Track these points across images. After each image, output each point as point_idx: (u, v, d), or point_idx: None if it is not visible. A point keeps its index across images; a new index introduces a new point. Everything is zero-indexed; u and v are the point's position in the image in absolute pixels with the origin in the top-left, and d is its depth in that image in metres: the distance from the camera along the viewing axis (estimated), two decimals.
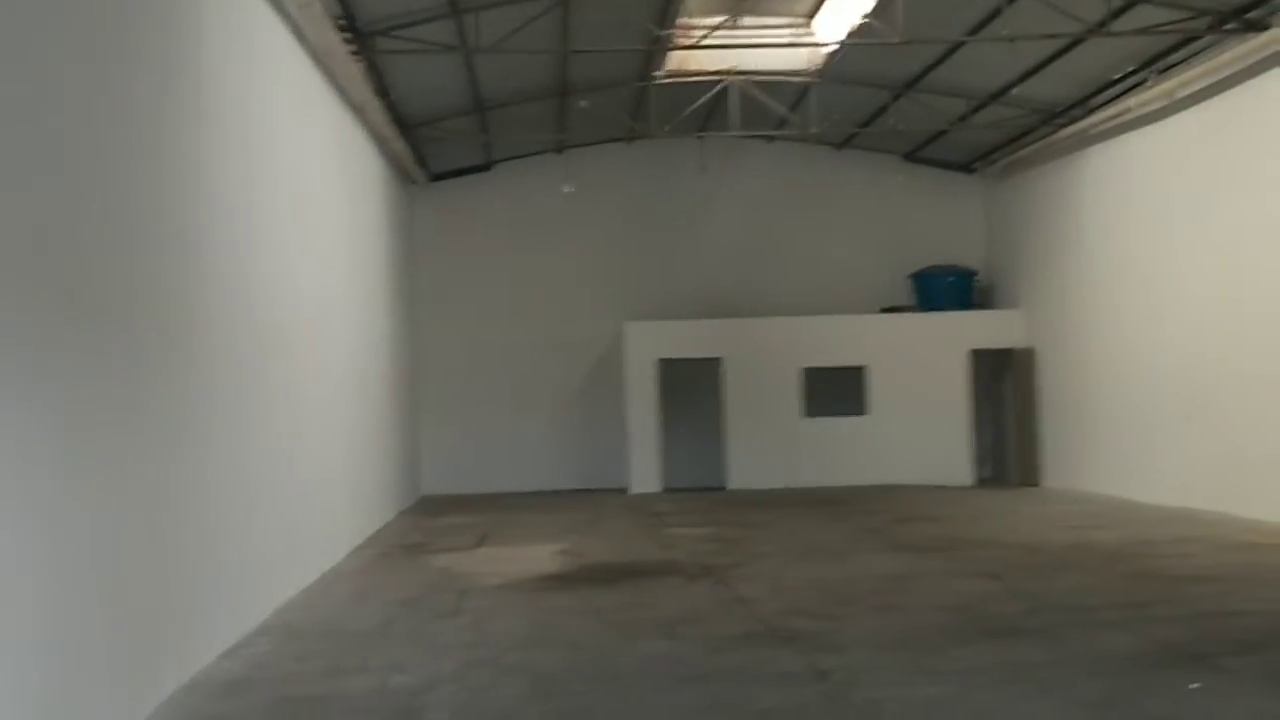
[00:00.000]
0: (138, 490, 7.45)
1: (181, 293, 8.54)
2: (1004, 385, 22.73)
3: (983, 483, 21.94)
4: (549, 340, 23.45)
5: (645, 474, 22.02)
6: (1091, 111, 18.67)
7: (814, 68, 18.80)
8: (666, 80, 19.40)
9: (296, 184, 12.71)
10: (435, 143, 20.77)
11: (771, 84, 19.61)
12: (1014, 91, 18.79)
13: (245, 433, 10.01)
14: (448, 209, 23.41)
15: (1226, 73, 15.40)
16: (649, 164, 23.65)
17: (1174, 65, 16.52)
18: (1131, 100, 17.09)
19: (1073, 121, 19.06)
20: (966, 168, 23.59)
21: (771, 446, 22.14)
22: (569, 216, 23.56)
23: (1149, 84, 16.89)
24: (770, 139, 23.42)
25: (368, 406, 16.81)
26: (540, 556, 13.72)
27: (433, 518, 18.58)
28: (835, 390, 22.30)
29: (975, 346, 22.25)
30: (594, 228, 23.66)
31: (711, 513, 18.02)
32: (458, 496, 22.00)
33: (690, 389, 22.80)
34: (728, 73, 19.25)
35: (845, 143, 23.42)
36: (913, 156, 23.54)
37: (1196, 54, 16.07)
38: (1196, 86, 16.02)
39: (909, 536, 14.39)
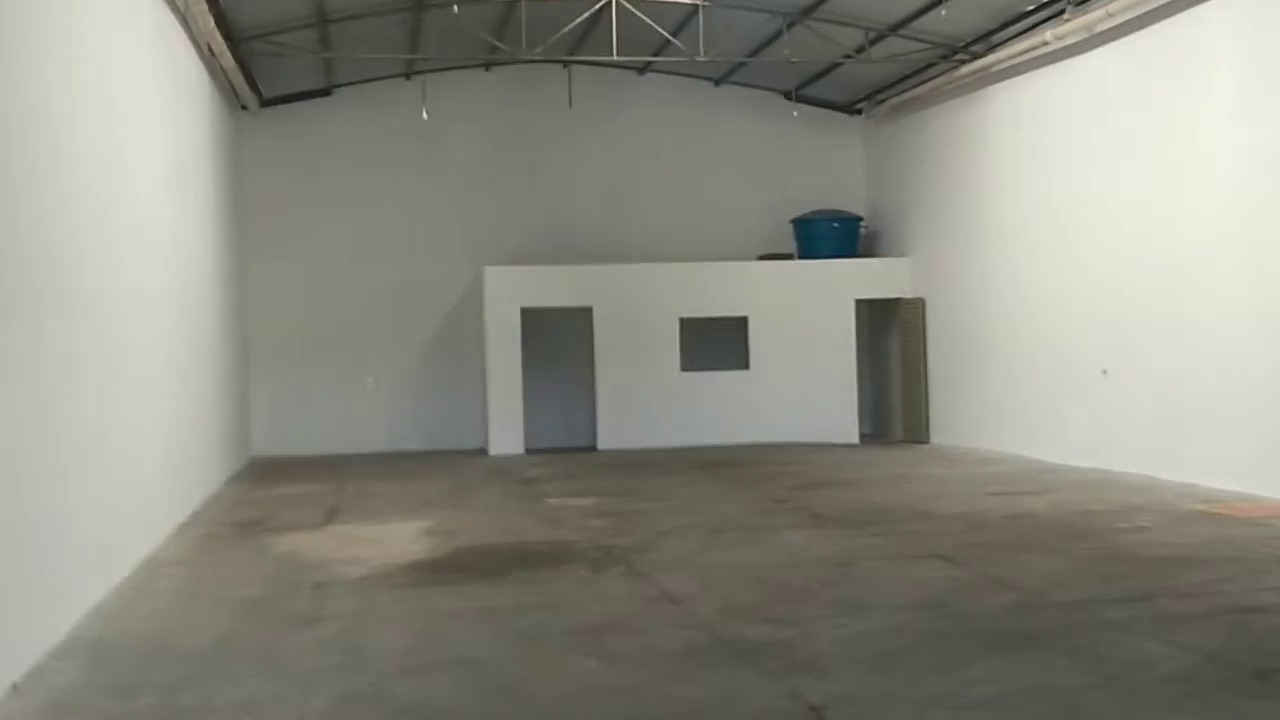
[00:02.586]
0: None
1: None
2: (888, 337, 21.43)
3: (866, 440, 20.61)
4: (397, 286, 21.28)
5: (507, 434, 20.09)
6: (995, 47, 17.29)
7: None
8: None
9: (107, 91, 10.41)
10: (269, 60, 18.31)
11: (655, 5, 17.73)
12: (916, 23, 17.29)
13: (38, 387, 7.81)
14: (282, 138, 20.96)
15: (1157, 3, 14.08)
16: (511, 93, 21.60)
17: None
18: (1049, 33, 15.66)
19: (976, 57, 17.65)
20: (850, 108, 22.10)
21: (646, 404, 20.42)
22: (421, 149, 21.34)
23: (1066, 16, 15.49)
24: (643, 71, 21.60)
25: (192, 356, 14.50)
26: (404, 537, 11.75)
27: (268, 486, 16.39)
28: (714, 343, 20.68)
29: (861, 296, 20.85)
30: (449, 163, 21.50)
31: (590, 479, 16.24)
32: (294, 459, 19.77)
33: (556, 341, 20.96)
34: None
35: (725, 78, 21.69)
36: (795, 95, 21.90)
37: None
38: (1122, 19, 14.65)
39: (824, 506, 12.83)
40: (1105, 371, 15.29)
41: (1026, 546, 10.11)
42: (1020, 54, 16.54)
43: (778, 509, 12.82)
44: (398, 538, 11.67)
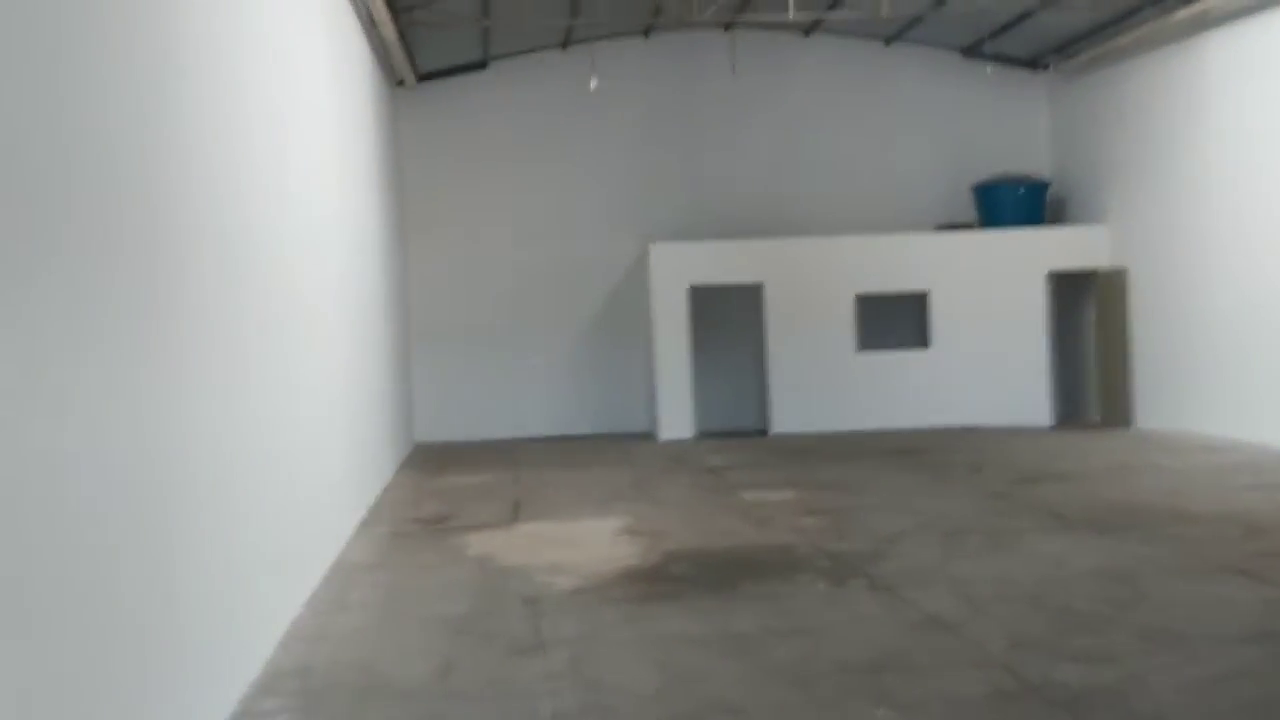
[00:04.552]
0: (68, 474, 4.46)
1: (142, 202, 5.48)
2: (1081, 312, 19.91)
3: (1060, 423, 19.14)
4: (558, 264, 20.39)
5: (677, 417, 19.09)
6: None
7: None
8: None
9: (286, 69, 9.58)
10: (428, 30, 17.48)
11: None
12: None
13: (222, 382, 6.93)
14: (438, 114, 20.16)
15: None
16: (673, 62, 20.52)
17: None
18: None
19: (1192, 1, 16.07)
20: (1034, 64, 20.56)
21: (821, 385, 19.24)
22: (580, 122, 20.40)
23: None
24: (809, 32, 20.31)
25: (364, 343, 13.77)
26: (602, 538, 10.81)
27: (439, 475, 15.63)
28: (893, 320, 19.43)
29: (1053, 268, 19.36)
30: (610, 136, 20.50)
31: (778, 468, 15.16)
32: (459, 445, 19.07)
33: (724, 320, 19.88)
34: None
35: (896, 36, 20.31)
36: (973, 52, 20.48)
37: None
38: None
39: (1060, 504, 11.55)
40: None
41: None
42: None
43: (1006, 507, 11.58)
44: (596, 539, 10.72)
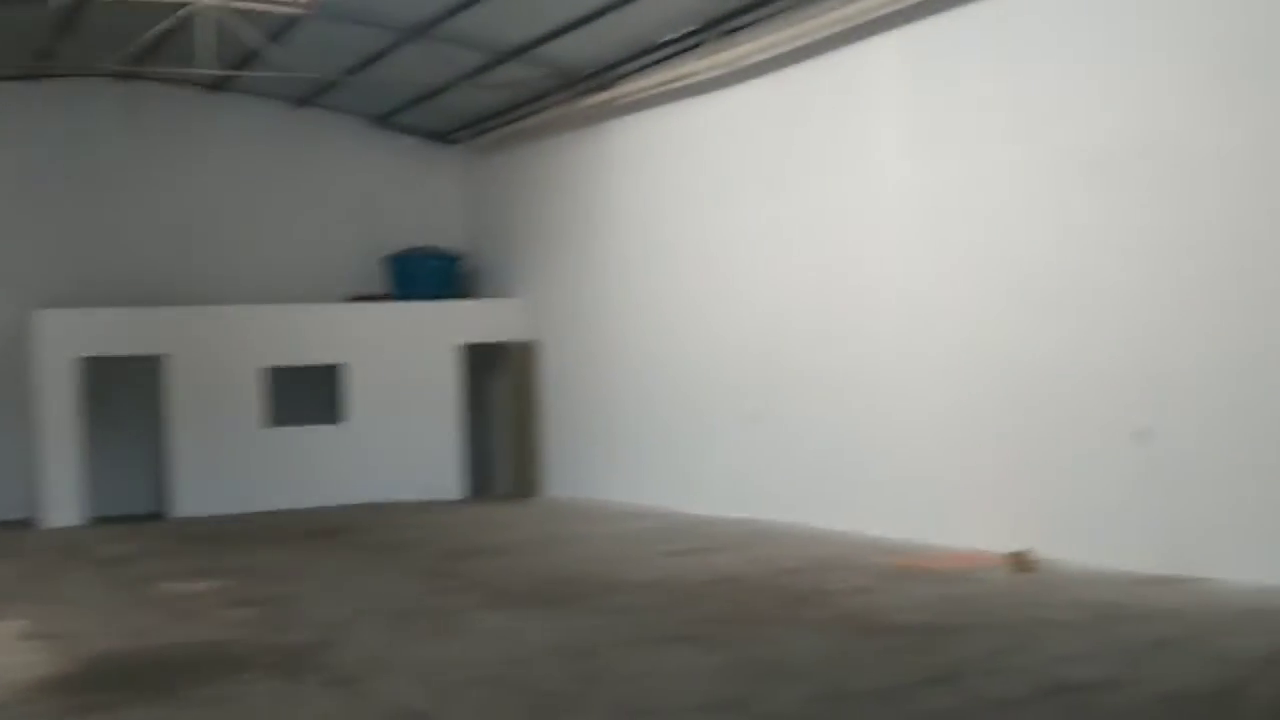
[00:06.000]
0: None
1: None
2: (492, 384, 20.24)
3: (472, 496, 19.23)
4: None
5: (63, 502, 17.22)
6: (622, 79, 16.64)
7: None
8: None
9: None
10: None
11: (247, 15, 15.72)
12: (539, 50, 16.33)
13: None
14: None
15: (815, 38, 13.75)
16: (64, 112, 18.79)
17: (740, 29, 14.72)
18: (691, 66, 15.14)
19: (602, 88, 16.92)
20: (446, 137, 20.78)
21: (227, 464, 18.08)
22: None
23: (710, 49, 15.00)
24: (214, 88, 19.29)
25: None
26: (2, 645, 9.31)
27: None
28: (306, 394, 18.70)
29: (467, 340, 19.52)
30: None
31: (190, 554, 13.97)
32: None
33: (121, 395, 18.29)
34: None
35: (307, 100, 19.79)
36: (385, 122, 20.40)
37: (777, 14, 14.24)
38: (773, 53, 14.25)
39: (497, 580, 11.42)
40: (755, 419, 14.83)
41: (760, 618, 9.21)
42: (653, 87, 15.94)
43: (444, 585, 11.29)
44: None
